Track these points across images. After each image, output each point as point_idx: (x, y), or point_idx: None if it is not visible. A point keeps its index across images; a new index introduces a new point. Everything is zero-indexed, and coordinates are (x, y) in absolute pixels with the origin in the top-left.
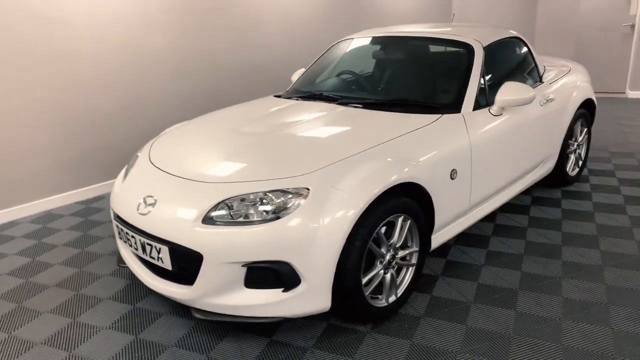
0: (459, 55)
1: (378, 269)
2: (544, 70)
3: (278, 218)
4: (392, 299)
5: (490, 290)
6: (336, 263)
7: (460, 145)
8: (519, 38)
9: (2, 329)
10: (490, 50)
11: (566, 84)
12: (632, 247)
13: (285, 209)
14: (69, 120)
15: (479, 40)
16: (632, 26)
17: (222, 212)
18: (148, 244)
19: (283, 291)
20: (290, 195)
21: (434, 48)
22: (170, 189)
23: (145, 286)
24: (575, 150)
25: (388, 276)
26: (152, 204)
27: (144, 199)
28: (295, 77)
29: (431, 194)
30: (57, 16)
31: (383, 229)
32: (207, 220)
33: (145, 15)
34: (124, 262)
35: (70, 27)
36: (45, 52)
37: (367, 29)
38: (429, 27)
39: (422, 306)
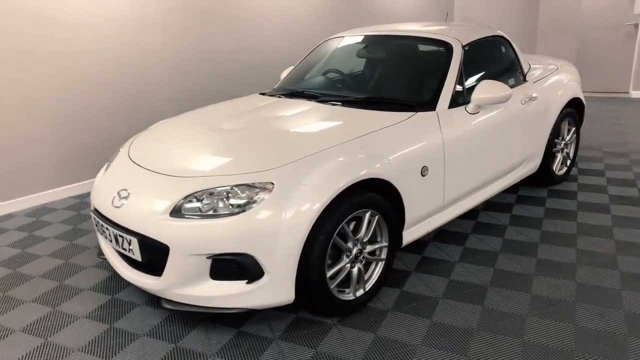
0: (438, 54)
1: (344, 262)
2: (529, 69)
3: (244, 212)
4: (359, 293)
5: (460, 286)
6: (299, 256)
7: (432, 143)
8: (502, 37)
9: None
10: (471, 49)
11: (551, 82)
12: (609, 246)
13: (251, 203)
14: (67, 117)
15: (458, 38)
16: (636, 25)
17: (193, 205)
18: (120, 235)
19: (247, 283)
20: (256, 190)
21: (413, 47)
22: (143, 183)
23: None
24: (562, 150)
25: (355, 270)
26: (126, 197)
27: (118, 193)
28: (283, 74)
29: (400, 190)
30: (57, 17)
31: (352, 224)
32: (175, 213)
33: (144, 15)
34: (103, 254)
35: (70, 28)
36: (44, 51)
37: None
38: (413, 26)
39: (391, 300)
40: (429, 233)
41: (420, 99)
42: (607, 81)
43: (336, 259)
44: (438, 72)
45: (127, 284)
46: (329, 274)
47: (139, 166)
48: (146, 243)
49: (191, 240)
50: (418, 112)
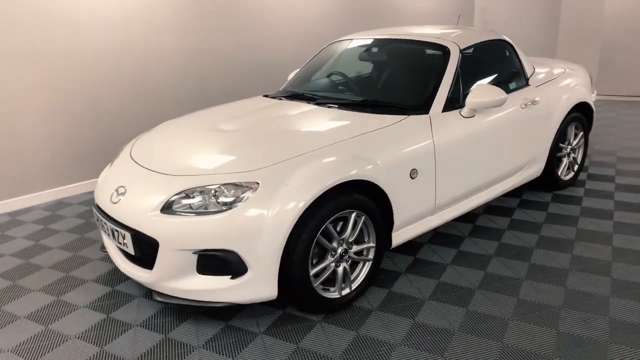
0: (435, 58)
1: (328, 261)
2: (533, 72)
3: (229, 210)
4: (345, 291)
5: (448, 288)
6: (281, 253)
7: (422, 146)
8: (504, 41)
9: None
10: (470, 53)
11: (556, 86)
12: (605, 253)
13: (237, 201)
14: (82, 116)
15: (456, 42)
16: None
17: (183, 202)
18: (115, 230)
19: (231, 278)
20: (242, 189)
21: (411, 50)
22: (139, 180)
23: None
24: (568, 154)
25: (340, 269)
26: (123, 194)
27: (117, 189)
28: (290, 76)
29: (387, 192)
30: (67, 17)
31: (340, 224)
32: (166, 209)
33: (154, 16)
34: (105, 248)
35: (80, 27)
36: (56, 51)
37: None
38: (414, 30)
39: (377, 300)
40: (423, 235)
41: (414, 102)
42: (631, 85)
43: (322, 258)
44: (434, 76)
45: (127, 277)
46: (313, 272)
47: (138, 164)
48: (139, 238)
49: (178, 236)
50: (410, 116)
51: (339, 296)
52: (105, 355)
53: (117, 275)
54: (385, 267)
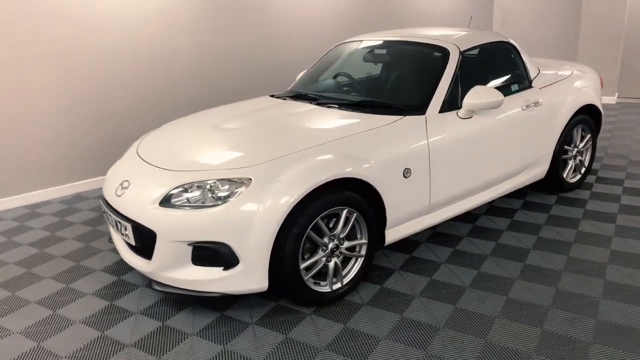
0: (434, 59)
1: (319, 256)
2: (537, 74)
3: (223, 204)
4: (336, 286)
5: (440, 286)
6: (271, 247)
7: (417, 146)
8: (508, 43)
9: (8, 289)
10: (471, 55)
11: (561, 88)
12: (602, 255)
13: (231, 196)
14: (99, 113)
15: (456, 44)
16: None
17: (181, 196)
18: (118, 222)
19: (223, 269)
20: (236, 184)
21: (411, 52)
22: (142, 175)
23: None
24: (574, 157)
25: (331, 264)
26: (127, 188)
27: (121, 183)
28: (298, 77)
29: (379, 190)
30: (83, 17)
31: (333, 220)
32: (165, 202)
33: (167, 17)
34: (112, 239)
35: (96, 28)
36: (72, 51)
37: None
38: (418, 31)
39: (369, 295)
40: (421, 234)
41: (411, 103)
42: None
43: (314, 252)
44: (432, 77)
45: (132, 268)
46: (303, 265)
47: (142, 160)
48: (139, 229)
49: (174, 228)
50: (406, 116)
51: (329, 290)
52: (106, 339)
53: (123, 266)
54: (380, 264)
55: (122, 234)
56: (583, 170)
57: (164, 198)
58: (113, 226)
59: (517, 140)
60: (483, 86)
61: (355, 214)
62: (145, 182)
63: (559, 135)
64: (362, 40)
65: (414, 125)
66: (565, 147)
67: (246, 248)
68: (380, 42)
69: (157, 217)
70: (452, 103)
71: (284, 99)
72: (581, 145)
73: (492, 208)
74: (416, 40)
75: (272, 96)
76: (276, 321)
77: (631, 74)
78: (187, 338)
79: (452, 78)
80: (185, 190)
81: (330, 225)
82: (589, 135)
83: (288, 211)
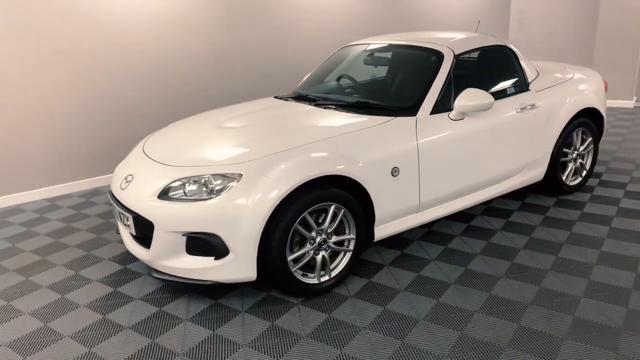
0: (429, 62)
1: (306, 249)
2: (536, 77)
3: (215, 197)
4: (324, 278)
5: (426, 281)
6: (259, 239)
7: (406, 146)
8: (504, 46)
9: (22, 274)
10: (466, 58)
11: (559, 91)
12: (591, 256)
13: (222, 190)
14: (115, 112)
15: (451, 48)
16: None
17: (178, 190)
18: (121, 213)
19: (215, 259)
20: (228, 179)
21: (407, 55)
22: (144, 170)
23: None
24: (575, 160)
25: (319, 257)
26: (130, 181)
27: (126, 177)
28: (304, 78)
29: (367, 188)
30: (105, 20)
31: (322, 215)
32: (163, 195)
33: (183, 19)
34: (119, 230)
35: (115, 31)
36: (94, 53)
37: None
38: (417, 35)
39: (356, 288)
40: (414, 232)
41: (403, 104)
42: None
43: (303, 246)
44: (425, 80)
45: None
46: (291, 257)
47: (147, 156)
48: (139, 220)
49: (170, 219)
50: (397, 117)
51: (317, 282)
52: (106, 321)
53: (129, 256)
54: (370, 260)
55: (125, 225)
56: (584, 173)
57: (162, 191)
58: (118, 217)
59: (511, 142)
60: (474, 89)
61: (343, 210)
62: (146, 176)
63: (557, 137)
64: (364, 44)
65: (404, 126)
66: (565, 149)
67: (236, 239)
68: (381, 45)
69: (155, 208)
70: (445, 105)
71: (286, 100)
72: (581, 148)
73: (489, 209)
74: (413, 43)
75: (276, 97)
76: (265, 310)
77: None
78: (181, 323)
79: (445, 81)
80: (184, 184)
81: (320, 220)
82: (590, 139)
83: (275, 205)
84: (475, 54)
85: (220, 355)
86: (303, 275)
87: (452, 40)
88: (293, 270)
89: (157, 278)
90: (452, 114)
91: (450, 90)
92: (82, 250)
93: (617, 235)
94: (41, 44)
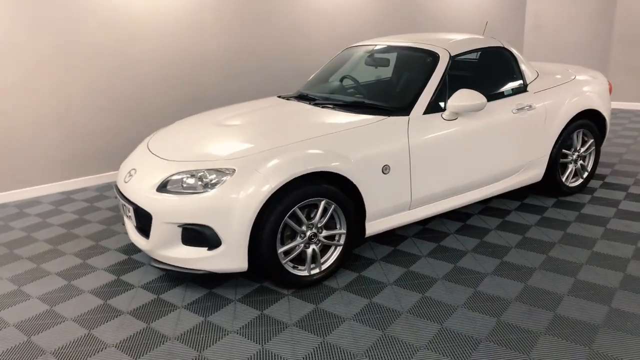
0: (425, 63)
1: (297, 242)
2: (535, 78)
3: (210, 191)
4: (315, 271)
5: (414, 276)
6: (249, 231)
7: (397, 144)
8: (503, 48)
9: (34, 261)
10: (463, 59)
11: (558, 93)
12: (582, 256)
13: (217, 184)
14: (129, 111)
15: (447, 49)
16: None
17: (176, 183)
18: (124, 205)
19: (208, 250)
20: (222, 174)
21: (404, 56)
22: (146, 165)
23: None
24: (575, 161)
25: (309, 251)
26: (133, 175)
27: (129, 171)
28: (310, 78)
29: (357, 184)
30: (123, 24)
31: (314, 210)
32: (161, 188)
33: (198, 22)
34: (124, 222)
35: (134, 34)
36: (112, 55)
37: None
38: (417, 36)
39: (345, 281)
40: (409, 229)
41: (397, 104)
42: None
43: (294, 239)
44: (420, 80)
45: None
46: (281, 250)
47: (150, 152)
48: (138, 211)
49: (166, 211)
50: (391, 116)
51: (307, 274)
52: (107, 307)
53: (134, 247)
54: (363, 255)
55: (127, 216)
56: (585, 174)
57: (160, 184)
58: (122, 209)
59: (506, 143)
60: (467, 89)
61: (333, 206)
62: (147, 170)
63: (556, 138)
64: (365, 45)
65: (396, 125)
66: (564, 150)
67: (228, 231)
68: (381, 46)
69: (153, 201)
70: (440, 105)
71: (288, 100)
72: (582, 149)
73: (487, 208)
74: (411, 45)
75: (280, 97)
76: (256, 300)
77: None
78: (176, 310)
79: (440, 81)
80: (182, 179)
81: (312, 215)
82: (591, 140)
83: (265, 200)
84: (473, 56)
85: (209, 340)
86: (294, 267)
87: (449, 41)
88: (283, 262)
89: (156, 267)
90: (445, 114)
91: (445, 90)
92: (91, 241)
93: (611, 236)
94: (57, 42)
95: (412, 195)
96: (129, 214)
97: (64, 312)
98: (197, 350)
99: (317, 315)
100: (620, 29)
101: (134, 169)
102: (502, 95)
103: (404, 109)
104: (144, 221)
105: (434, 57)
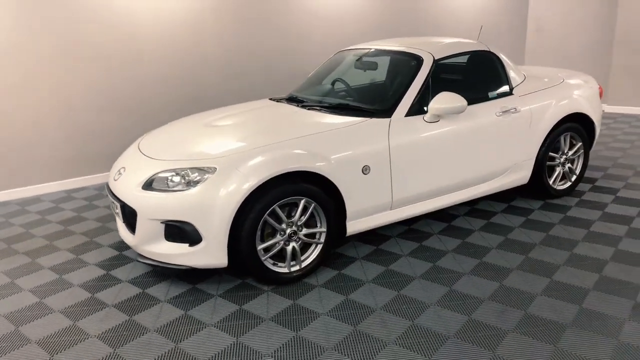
0: (409, 66)
1: (277, 239)
2: (522, 82)
3: (192, 188)
4: (294, 268)
5: (392, 275)
6: (229, 228)
7: (377, 146)
8: (489, 52)
9: (29, 256)
10: (447, 63)
11: (544, 96)
12: (561, 257)
13: (199, 182)
14: (132, 111)
15: (431, 53)
16: None
17: (160, 181)
18: (113, 201)
19: (189, 246)
20: (204, 172)
21: (390, 59)
22: (135, 163)
23: None
24: (563, 164)
25: (289, 248)
26: (122, 173)
27: (119, 170)
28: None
29: (336, 183)
30: (124, 24)
31: (295, 209)
32: (147, 186)
33: (198, 23)
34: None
35: (136, 37)
36: (114, 56)
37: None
38: (404, 40)
39: (325, 279)
40: (393, 229)
41: (380, 106)
42: None
43: (274, 236)
44: (403, 83)
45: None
46: (261, 247)
47: (140, 152)
48: (125, 208)
49: (150, 208)
50: (372, 118)
51: (287, 271)
52: (94, 300)
53: (126, 243)
54: (345, 253)
55: (115, 213)
56: (574, 178)
57: (146, 182)
58: (111, 206)
59: (489, 145)
60: (448, 92)
61: (313, 204)
62: (135, 169)
63: (542, 141)
64: (356, 49)
65: (377, 127)
66: (552, 154)
67: (208, 228)
68: (369, 50)
69: (137, 198)
70: (422, 108)
71: (279, 102)
72: (570, 153)
73: (473, 210)
74: (397, 49)
75: (271, 99)
76: (237, 295)
77: None
78: (158, 303)
79: (423, 84)
80: (167, 177)
81: (293, 214)
82: (579, 144)
83: (244, 198)
84: (459, 59)
85: (186, 332)
86: (274, 264)
87: (434, 45)
88: (263, 259)
89: (141, 262)
90: (427, 116)
91: (428, 93)
92: (86, 237)
93: (592, 238)
94: (57, 42)
95: (393, 196)
96: (117, 210)
97: (53, 304)
98: (175, 342)
99: (293, 310)
100: (622, 33)
101: (124, 168)
102: (486, 98)
103: (386, 111)
104: (130, 218)
105: (417, 61)
